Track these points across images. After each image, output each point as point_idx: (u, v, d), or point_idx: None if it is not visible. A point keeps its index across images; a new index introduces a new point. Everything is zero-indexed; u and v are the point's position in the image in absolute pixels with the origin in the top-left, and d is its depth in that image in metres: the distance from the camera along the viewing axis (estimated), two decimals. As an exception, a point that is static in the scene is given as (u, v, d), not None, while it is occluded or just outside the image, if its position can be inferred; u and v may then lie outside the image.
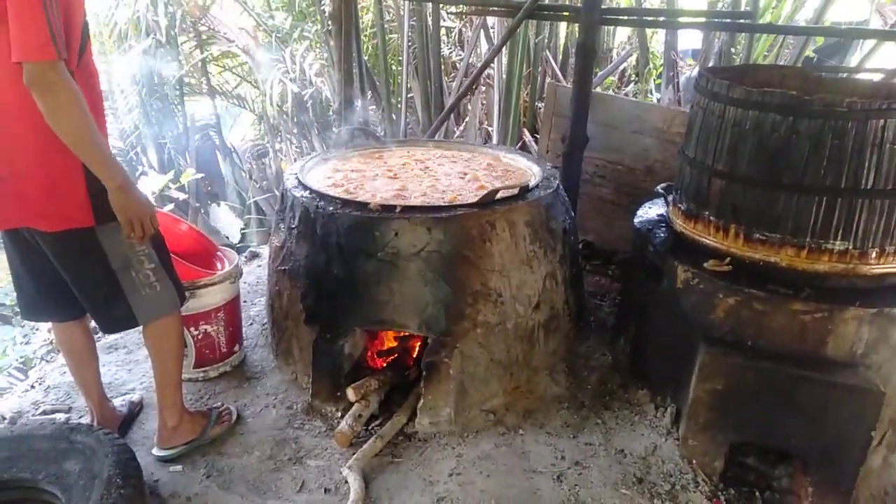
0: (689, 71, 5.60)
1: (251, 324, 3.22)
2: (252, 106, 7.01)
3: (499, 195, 2.51)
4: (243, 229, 6.63)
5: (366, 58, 6.31)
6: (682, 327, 2.34)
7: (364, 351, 2.71)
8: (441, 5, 5.16)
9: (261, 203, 6.53)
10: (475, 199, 2.49)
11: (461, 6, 4.84)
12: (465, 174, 2.92)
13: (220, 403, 2.63)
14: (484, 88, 6.42)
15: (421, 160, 3.14)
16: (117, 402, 2.57)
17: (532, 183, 2.73)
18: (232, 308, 2.78)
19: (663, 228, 2.57)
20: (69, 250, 1.98)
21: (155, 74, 6.50)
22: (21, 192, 1.87)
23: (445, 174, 2.92)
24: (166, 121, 6.68)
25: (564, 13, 3.99)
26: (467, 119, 6.35)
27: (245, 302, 3.42)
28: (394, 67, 6.36)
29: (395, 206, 2.43)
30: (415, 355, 2.75)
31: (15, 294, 2.26)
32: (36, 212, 1.89)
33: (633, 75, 5.50)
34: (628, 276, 3.02)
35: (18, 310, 2.55)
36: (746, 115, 2.13)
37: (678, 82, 4.93)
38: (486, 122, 6.37)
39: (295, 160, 6.99)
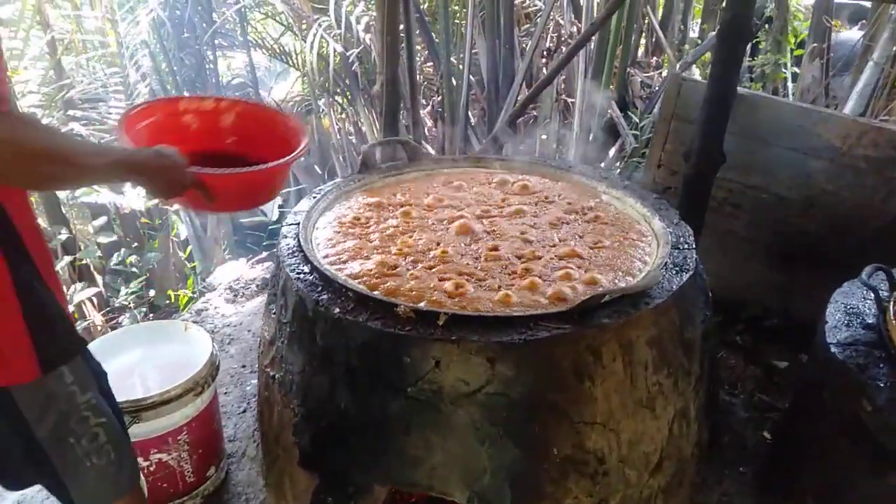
0: (837, 33, 4.32)
1: (243, 411, 2.37)
2: (296, 62, 6.05)
3: (606, 298, 1.54)
4: (281, 207, 5.84)
5: (424, 6, 5.24)
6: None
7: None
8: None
9: (297, 174, 5.70)
10: (567, 305, 1.53)
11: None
12: (541, 233, 1.93)
13: None
14: (564, 49, 5.27)
15: (482, 202, 2.16)
16: None
17: (657, 261, 1.74)
18: (202, 424, 1.93)
19: (885, 365, 1.54)
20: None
21: (185, 26, 5.69)
22: None
23: (516, 228, 1.95)
24: (198, 78, 5.89)
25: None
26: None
27: (243, 368, 2.58)
28: (458, 21, 5.29)
29: (436, 314, 1.49)
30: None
31: None
32: None
33: (762, 42, 4.25)
34: (803, 418, 1.93)
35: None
36: None
37: (829, 58, 3.68)
38: (565, 93, 5.24)
39: (338, 129, 6.00)
